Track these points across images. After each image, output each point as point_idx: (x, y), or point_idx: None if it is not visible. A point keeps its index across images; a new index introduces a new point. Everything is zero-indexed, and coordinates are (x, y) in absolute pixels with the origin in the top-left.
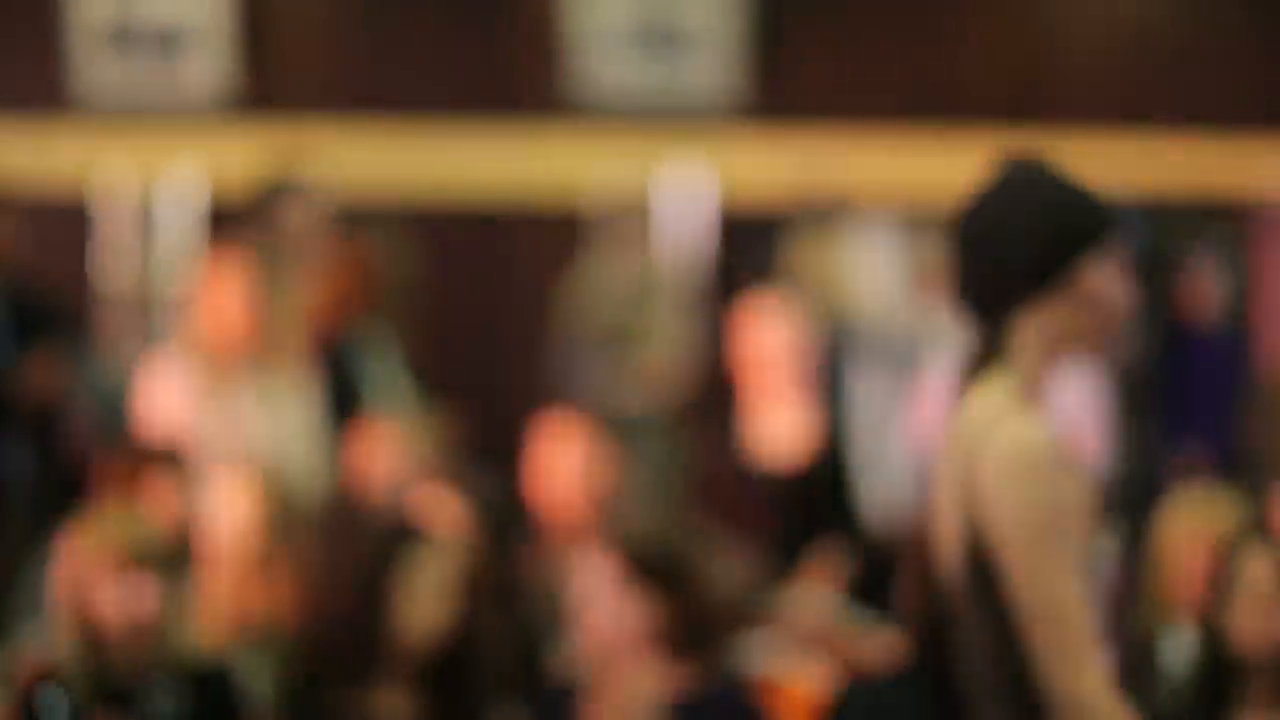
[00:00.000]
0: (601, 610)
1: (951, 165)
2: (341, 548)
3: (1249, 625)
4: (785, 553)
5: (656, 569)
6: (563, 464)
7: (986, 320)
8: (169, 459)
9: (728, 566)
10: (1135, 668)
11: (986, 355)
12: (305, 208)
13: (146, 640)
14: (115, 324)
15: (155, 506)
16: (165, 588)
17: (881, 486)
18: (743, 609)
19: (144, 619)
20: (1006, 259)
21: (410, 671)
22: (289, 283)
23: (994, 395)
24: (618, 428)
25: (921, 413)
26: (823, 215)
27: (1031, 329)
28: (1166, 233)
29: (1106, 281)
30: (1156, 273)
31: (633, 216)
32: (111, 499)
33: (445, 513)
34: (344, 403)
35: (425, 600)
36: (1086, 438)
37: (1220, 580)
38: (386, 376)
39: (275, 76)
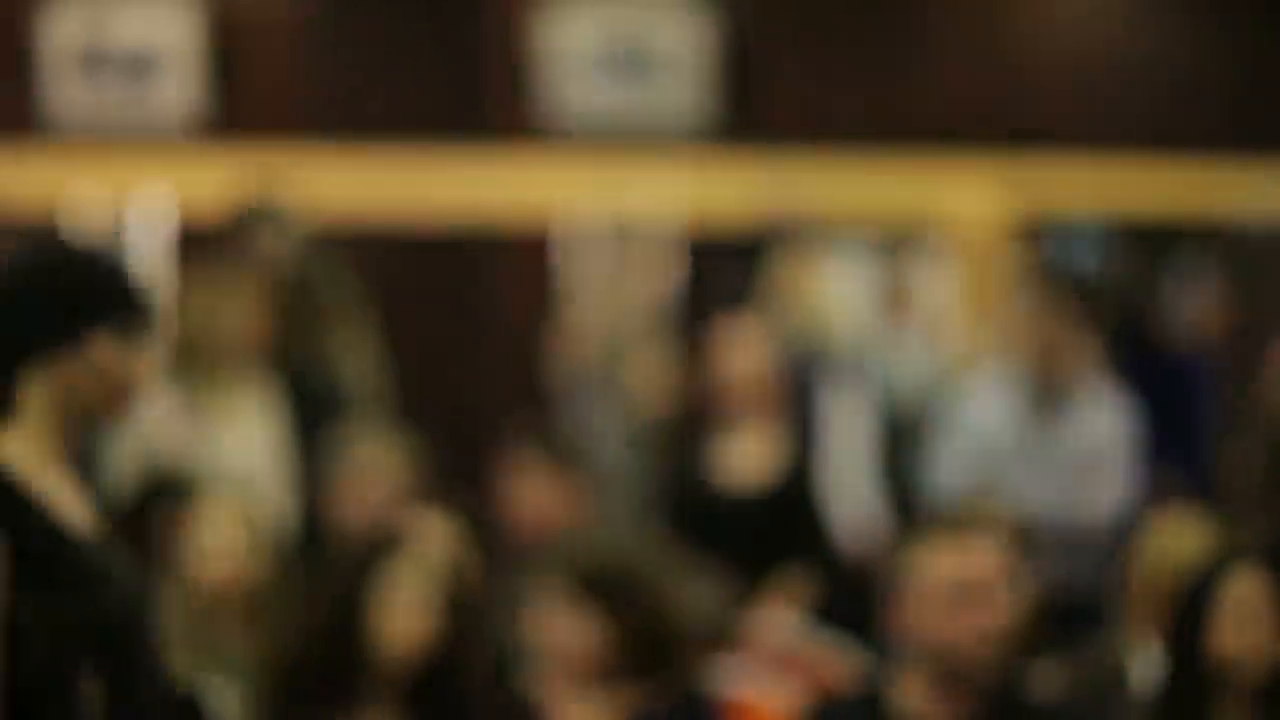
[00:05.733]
0: (555, 630)
1: (923, 188)
2: (320, 566)
3: (1234, 644)
4: (755, 575)
5: (605, 588)
6: (530, 486)
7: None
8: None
9: (698, 588)
10: (1108, 687)
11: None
12: (279, 233)
13: None
14: None
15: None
16: None
17: (851, 509)
18: (709, 630)
19: None
20: (16, 318)
21: (390, 690)
22: (245, 303)
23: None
24: (597, 452)
25: (944, 442)
26: (794, 238)
27: (39, 390)
28: (1139, 256)
29: (119, 358)
30: (1129, 296)
31: (604, 241)
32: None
33: (427, 531)
34: (312, 422)
35: (405, 616)
36: (1116, 463)
37: (1203, 601)
38: (358, 396)
39: (246, 100)
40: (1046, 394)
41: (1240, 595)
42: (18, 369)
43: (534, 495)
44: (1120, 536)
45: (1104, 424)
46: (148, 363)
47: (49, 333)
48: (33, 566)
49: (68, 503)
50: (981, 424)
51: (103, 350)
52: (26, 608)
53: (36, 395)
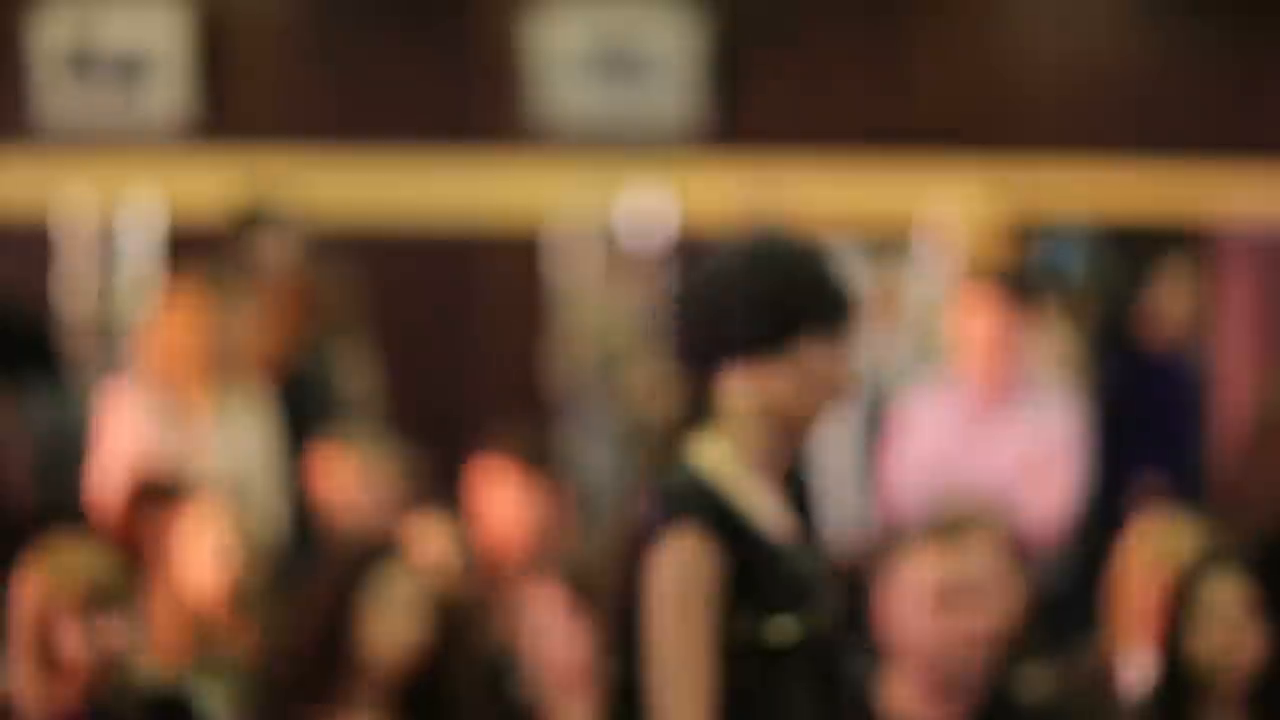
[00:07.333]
0: (552, 640)
1: (909, 192)
2: (309, 570)
3: (1215, 648)
4: None
5: (600, 595)
6: (505, 497)
7: (696, 378)
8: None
9: None
10: (1096, 692)
11: (695, 414)
12: (280, 237)
13: (111, 675)
14: (75, 351)
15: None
16: (127, 620)
17: (839, 511)
18: None
19: (111, 656)
20: (722, 320)
21: (381, 695)
22: (246, 309)
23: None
24: (591, 455)
25: (893, 446)
26: None
27: (741, 394)
28: (1124, 259)
29: (826, 360)
30: (1114, 299)
31: (594, 243)
32: (81, 535)
33: (419, 536)
34: (304, 427)
35: (396, 622)
36: (1062, 463)
37: (1184, 604)
38: (349, 401)
39: (236, 103)
40: (992, 393)
41: (1223, 599)
42: (720, 371)
43: (508, 503)
44: (1076, 537)
45: (1052, 423)
46: (850, 366)
47: (756, 336)
48: (747, 581)
49: (770, 510)
50: (929, 423)
51: (809, 354)
52: (737, 624)
53: (737, 398)
